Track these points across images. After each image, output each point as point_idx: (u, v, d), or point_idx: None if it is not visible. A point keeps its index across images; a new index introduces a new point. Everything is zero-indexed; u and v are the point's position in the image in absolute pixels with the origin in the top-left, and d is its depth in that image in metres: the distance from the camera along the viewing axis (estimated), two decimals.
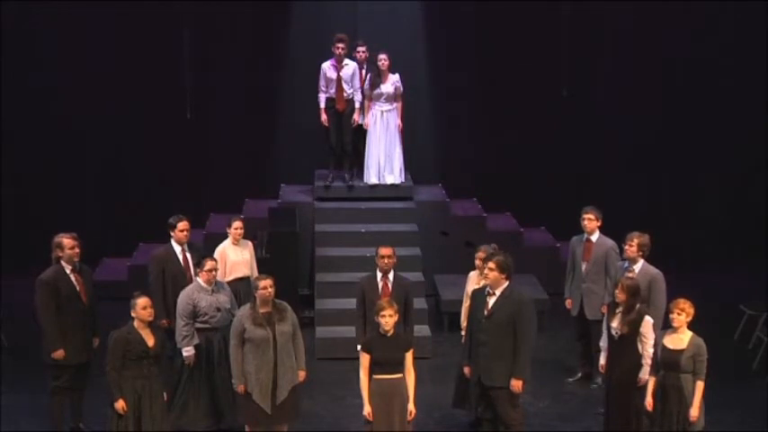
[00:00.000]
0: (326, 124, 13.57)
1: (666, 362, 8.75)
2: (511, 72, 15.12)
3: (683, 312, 8.75)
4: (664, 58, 15.06)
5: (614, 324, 9.12)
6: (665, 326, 9.14)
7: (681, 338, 8.77)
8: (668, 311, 8.89)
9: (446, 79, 15.23)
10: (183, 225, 10.46)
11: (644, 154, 15.35)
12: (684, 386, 8.71)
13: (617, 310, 9.13)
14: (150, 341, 8.79)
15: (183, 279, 10.28)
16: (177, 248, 10.46)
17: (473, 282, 9.90)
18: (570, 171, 15.21)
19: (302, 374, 9.19)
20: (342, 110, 13.53)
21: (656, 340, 8.88)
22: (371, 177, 13.71)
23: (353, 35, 13.96)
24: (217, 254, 10.80)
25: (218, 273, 10.07)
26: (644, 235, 10.22)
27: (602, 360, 9.40)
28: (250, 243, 11.30)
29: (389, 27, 14.88)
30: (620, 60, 15.25)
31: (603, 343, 9.39)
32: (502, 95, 15.17)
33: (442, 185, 14.68)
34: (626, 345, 9.05)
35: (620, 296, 9.07)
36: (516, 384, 8.89)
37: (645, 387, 8.97)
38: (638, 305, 9.10)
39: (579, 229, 11.01)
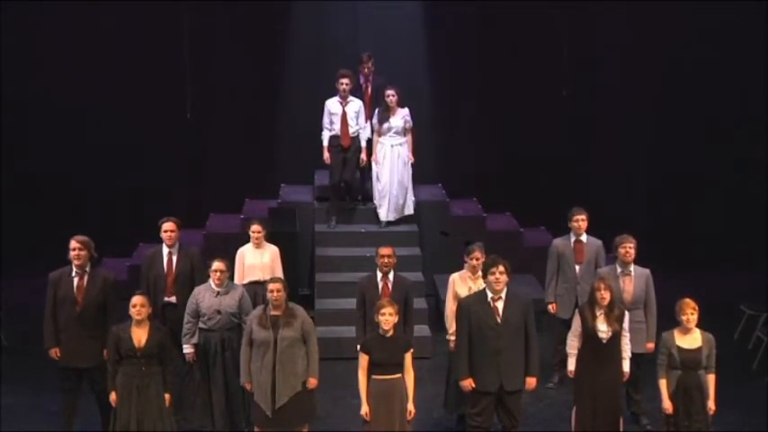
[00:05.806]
0: (329, 162, 13.12)
1: (686, 362, 8.77)
2: (511, 72, 15.12)
3: (695, 311, 8.79)
4: (664, 59, 15.06)
5: (602, 327, 9.00)
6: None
7: (694, 337, 8.83)
8: (675, 313, 8.85)
9: (446, 79, 15.22)
10: (166, 226, 10.20)
11: (644, 154, 15.35)
12: (704, 383, 8.80)
13: (598, 313, 9.02)
14: (141, 341, 8.75)
15: (162, 282, 10.16)
16: (165, 251, 10.27)
17: (460, 284, 9.73)
18: (570, 171, 15.21)
19: (313, 382, 9.09)
20: (347, 146, 13.01)
21: (668, 342, 8.82)
22: (386, 214, 13.18)
23: (353, 35, 13.93)
24: (237, 255, 10.79)
25: (236, 275, 10.04)
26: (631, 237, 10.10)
27: (572, 365, 9.21)
28: (275, 248, 11.05)
29: (389, 27, 14.88)
30: (619, 61, 15.25)
31: (572, 349, 9.20)
32: (502, 95, 15.17)
33: (442, 185, 14.66)
34: (614, 345, 9.04)
35: (606, 296, 9.00)
36: (532, 382, 8.88)
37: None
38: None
39: None
